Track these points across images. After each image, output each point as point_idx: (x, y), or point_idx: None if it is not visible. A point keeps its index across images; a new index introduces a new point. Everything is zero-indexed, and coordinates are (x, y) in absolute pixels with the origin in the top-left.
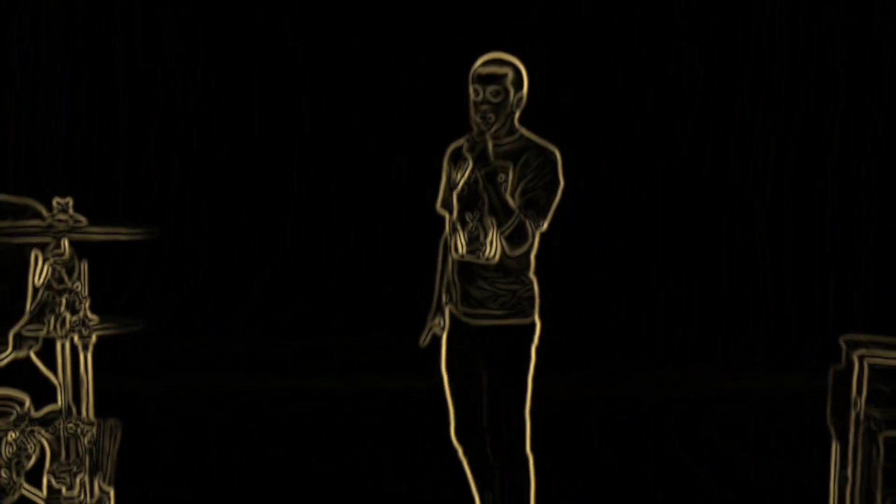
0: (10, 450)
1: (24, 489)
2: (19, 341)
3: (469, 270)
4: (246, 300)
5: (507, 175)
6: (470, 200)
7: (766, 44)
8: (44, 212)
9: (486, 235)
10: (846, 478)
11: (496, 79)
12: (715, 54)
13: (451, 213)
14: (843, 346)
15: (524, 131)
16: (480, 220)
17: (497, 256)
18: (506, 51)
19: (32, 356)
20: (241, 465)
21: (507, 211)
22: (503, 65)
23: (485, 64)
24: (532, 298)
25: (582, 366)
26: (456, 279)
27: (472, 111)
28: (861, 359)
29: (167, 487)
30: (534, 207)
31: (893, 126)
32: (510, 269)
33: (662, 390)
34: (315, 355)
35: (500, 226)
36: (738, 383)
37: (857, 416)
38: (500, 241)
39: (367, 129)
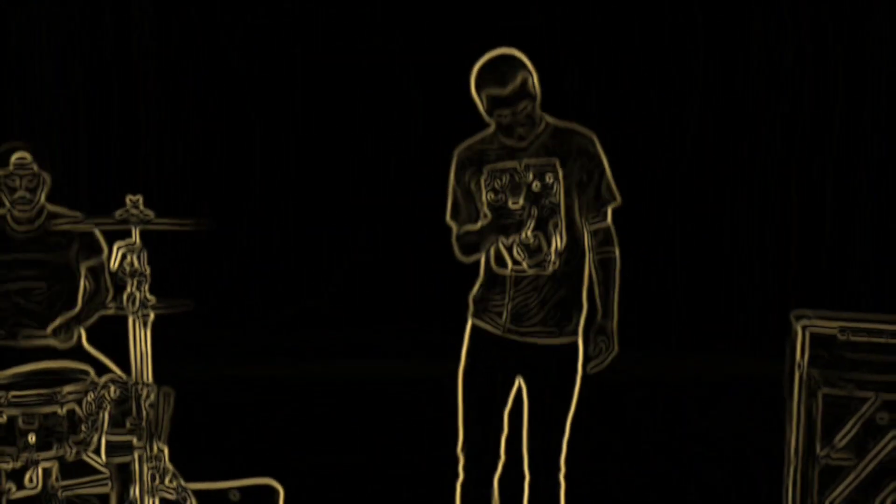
0: (90, 408)
1: (87, 456)
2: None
3: (525, 283)
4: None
5: (556, 172)
6: (515, 211)
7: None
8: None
9: (549, 245)
10: (792, 430)
11: (519, 94)
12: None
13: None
14: (792, 319)
15: (547, 116)
16: (542, 227)
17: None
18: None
19: (84, 341)
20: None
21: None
22: (513, 72)
23: (497, 81)
24: (581, 310)
25: None
26: (505, 294)
27: (496, 128)
28: (804, 328)
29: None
30: (607, 197)
31: (855, 111)
32: (567, 276)
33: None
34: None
35: (556, 230)
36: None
37: (801, 376)
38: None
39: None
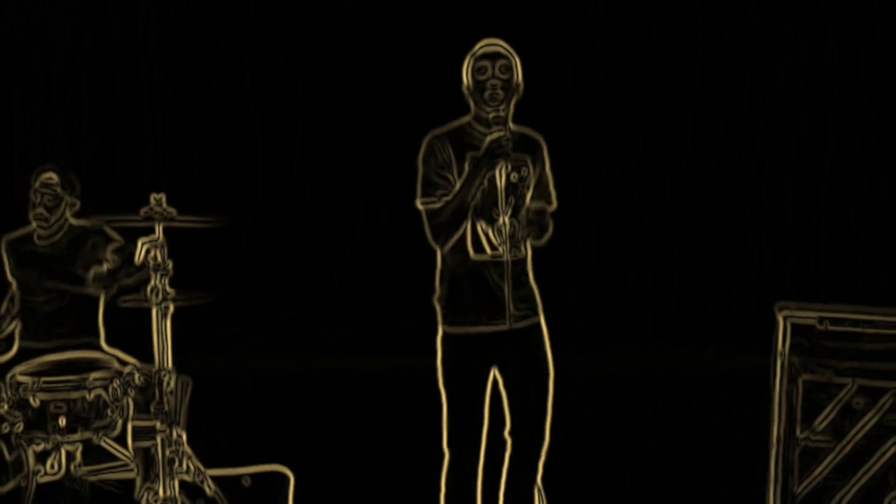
0: (116, 394)
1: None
2: None
3: (511, 271)
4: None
5: (528, 167)
6: (494, 198)
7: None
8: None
9: (521, 227)
10: (774, 414)
11: (503, 56)
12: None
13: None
14: (776, 311)
15: (511, 123)
16: (515, 215)
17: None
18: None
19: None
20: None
21: (544, 205)
22: (502, 45)
23: (488, 45)
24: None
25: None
26: (485, 282)
27: (473, 94)
28: (785, 318)
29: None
30: (550, 197)
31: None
32: (523, 262)
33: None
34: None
35: (525, 219)
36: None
37: (783, 363)
38: (527, 235)
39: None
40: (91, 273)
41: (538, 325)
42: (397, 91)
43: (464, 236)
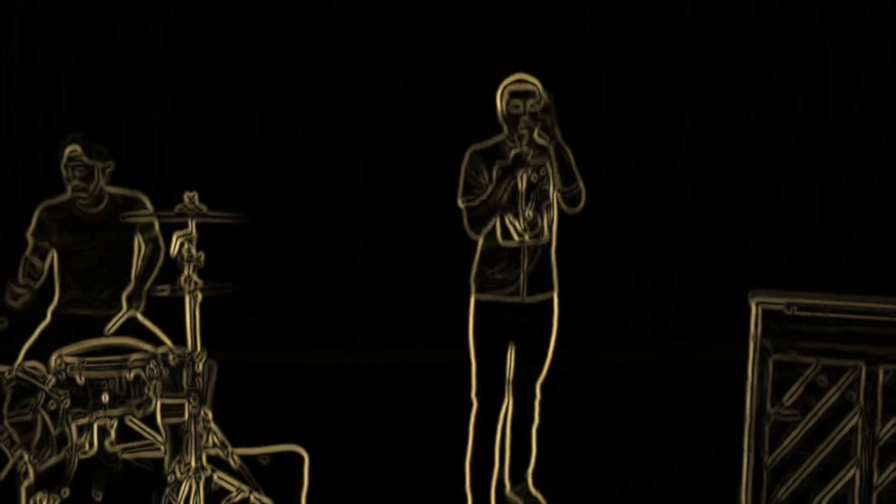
0: (153, 373)
1: (133, 422)
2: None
3: (530, 254)
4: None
5: (547, 168)
6: (525, 192)
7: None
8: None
9: (543, 220)
10: (748, 392)
11: (533, 94)
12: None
13: (493, 206)
14: (749, 298)
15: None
16: (538, 209)
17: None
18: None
19: (139, 315)
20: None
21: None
22: (531, 82)
23: (518, 82)
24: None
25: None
26: (512, 262)
27: (507, 121)
28: (757, 304)
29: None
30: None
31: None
32: (546, 248)
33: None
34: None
35: (548, 210)
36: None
37: (755, 345)
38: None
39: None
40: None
41: (551, 300)
42: (400, 92)
43: (494, 226)
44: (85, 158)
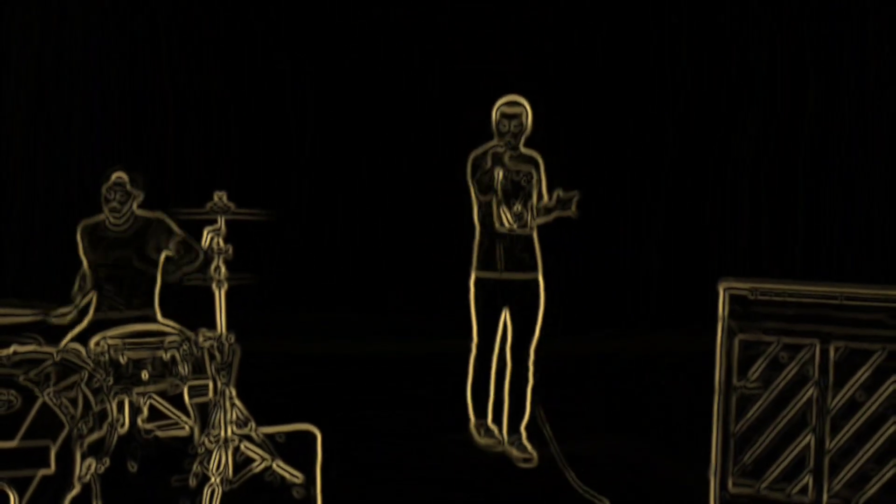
0: (187, 353)
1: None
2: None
3: (514, 239)
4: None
5: (530, 174)
6: (513, 190)
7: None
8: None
9: (528, 213)
10: (717, 368)
11: (518, 116)
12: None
13: (490, 199)
14: (718, 284)
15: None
16: (524, 203)
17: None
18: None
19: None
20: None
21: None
22: (521, 105)
23: (509, 105)
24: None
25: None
26: (502, 247)
27: (497, 135)
28: (725, 290)
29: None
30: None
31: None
32: (529, 237)
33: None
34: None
35: (532, 206)
36: None
37: (723, 326)
38: (533, 216)
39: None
40: (161, 256)
41: (535, 280)
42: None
43: (492, 215)
44: (127, 186)
